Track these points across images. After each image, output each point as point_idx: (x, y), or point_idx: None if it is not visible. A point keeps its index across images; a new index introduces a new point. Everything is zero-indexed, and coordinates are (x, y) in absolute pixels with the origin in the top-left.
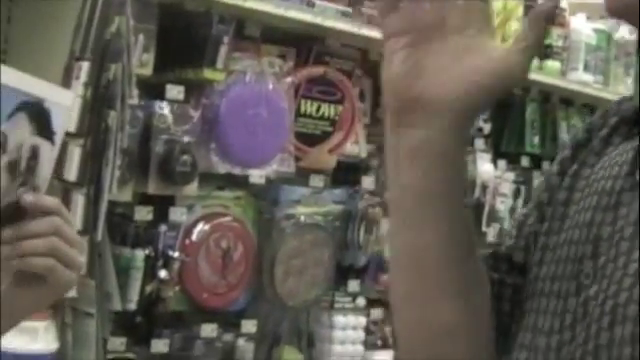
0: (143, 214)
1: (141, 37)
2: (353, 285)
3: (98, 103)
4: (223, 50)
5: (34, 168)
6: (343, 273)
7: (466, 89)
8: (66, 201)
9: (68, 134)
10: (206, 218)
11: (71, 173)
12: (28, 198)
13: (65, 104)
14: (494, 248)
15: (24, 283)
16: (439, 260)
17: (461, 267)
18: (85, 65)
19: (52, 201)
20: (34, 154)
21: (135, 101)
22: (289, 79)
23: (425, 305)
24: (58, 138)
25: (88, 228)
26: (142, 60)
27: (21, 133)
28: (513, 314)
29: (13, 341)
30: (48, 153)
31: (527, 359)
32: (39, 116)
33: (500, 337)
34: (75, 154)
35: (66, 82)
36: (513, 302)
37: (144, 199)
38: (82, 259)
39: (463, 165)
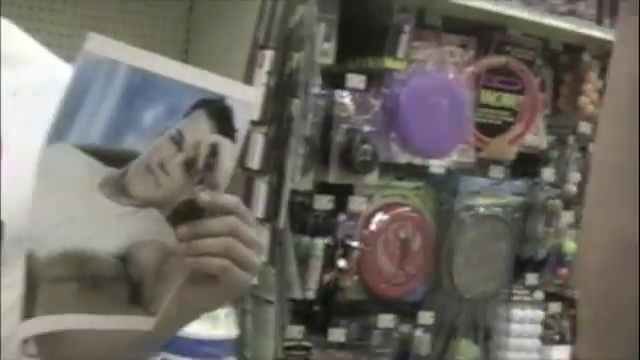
0: (323, 203)
1: (323, 26)
2: (531, 278)
3: (281, 91)
4: (404, 39)
5: (213, 166)
6: (521, 266)
7: None
8: (249, 189)
9: (252, 122)
10: (385, 208)
11: (254, 161)
12: (204, 197)
13: (247, 100)
14: None
15: (198, 282)
16: None
17: None
18: (269, 54)
19: (230, 200)
20: (213, 152)
21: (316, 90)
22: (470, 69)
23: None
24: (240, 135)
25: (270, 216)
26: (323, 49)
27: (199, 131)
28: None
29: (195, 326)
30: (229, 151)
31: None
32: (219, 113)
33: None
34: (258, 142)
35: (249, 70)
36: None
37: (323, 188)
38: (258, 260)
39: None
